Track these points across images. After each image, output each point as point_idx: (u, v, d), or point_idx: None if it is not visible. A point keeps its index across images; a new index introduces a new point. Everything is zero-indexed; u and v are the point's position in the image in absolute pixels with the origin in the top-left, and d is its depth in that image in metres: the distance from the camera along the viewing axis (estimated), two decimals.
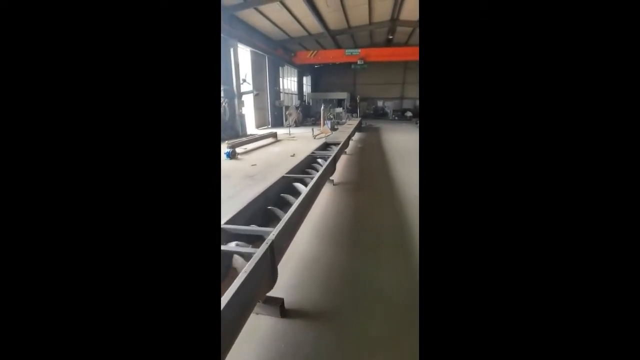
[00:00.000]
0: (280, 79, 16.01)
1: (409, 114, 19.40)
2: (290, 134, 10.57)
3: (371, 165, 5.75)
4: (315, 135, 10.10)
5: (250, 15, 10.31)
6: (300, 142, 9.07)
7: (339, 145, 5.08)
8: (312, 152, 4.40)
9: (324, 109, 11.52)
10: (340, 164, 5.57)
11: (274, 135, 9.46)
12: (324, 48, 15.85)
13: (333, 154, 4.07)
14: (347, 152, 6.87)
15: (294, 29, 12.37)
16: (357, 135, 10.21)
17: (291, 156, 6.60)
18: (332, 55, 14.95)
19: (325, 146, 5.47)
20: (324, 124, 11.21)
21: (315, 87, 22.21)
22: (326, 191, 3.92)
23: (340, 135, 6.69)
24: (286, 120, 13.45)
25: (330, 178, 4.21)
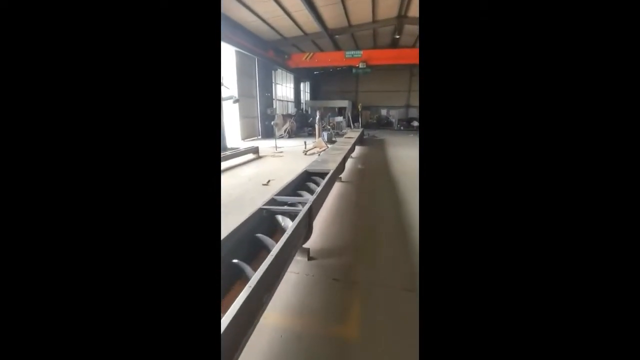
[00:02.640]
0: (274, 85, 14.33)
1: (415, 123, 17.57)
2: (276, 148, 8.76)
3: (374, 205, 3.87)
4: (307, 151, 8.30)
5: (230, 7, 8.64)
6: (286, 159, 7.26)
7: (326, 178, 3.24)
8: (269, 202, 2.49)
9: (319, 119, 9.70)
10: (328, 205, 3.71)
11: (255, 150, 7.65)
12: (321, 50, 14.16)
13: (305, 210, 2.20)
14: (341, 179, 5.04)
15: (286, 26, 10.69)
16: (357, 150, 8.39)
17: (264, 184, 4.77)
18: (331, 58, 13.20)
19: (306, 178, 3.62)
20: (319, 136, 9.42)
21: (314, 95, 20.50)
22: (291, 278, 2.09)
23: (332, 157, 4.83)
24: (279, 130, 11.67)
25: (305, 246, 2.38)
